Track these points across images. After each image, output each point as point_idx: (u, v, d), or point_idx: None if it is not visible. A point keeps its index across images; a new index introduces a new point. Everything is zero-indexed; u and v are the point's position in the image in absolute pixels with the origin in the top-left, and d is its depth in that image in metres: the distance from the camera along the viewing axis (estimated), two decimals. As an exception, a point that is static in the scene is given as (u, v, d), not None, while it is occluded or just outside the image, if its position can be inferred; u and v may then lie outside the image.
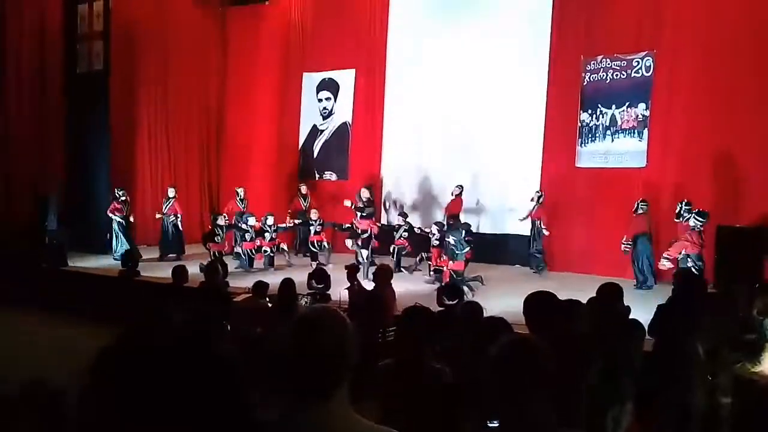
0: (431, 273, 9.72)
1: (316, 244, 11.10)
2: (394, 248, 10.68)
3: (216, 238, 10.72)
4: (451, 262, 8.93)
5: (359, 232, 10.54)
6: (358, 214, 10.66)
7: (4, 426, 3.18)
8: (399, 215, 11.08)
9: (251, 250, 10.67)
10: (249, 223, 10.79)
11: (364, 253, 10.25)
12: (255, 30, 14.29)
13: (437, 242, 9.77)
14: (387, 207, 11.24)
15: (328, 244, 11.23)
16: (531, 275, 10.19)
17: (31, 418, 3.14)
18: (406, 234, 10.72)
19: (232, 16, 14.80)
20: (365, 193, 10.80)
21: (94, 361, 1.71)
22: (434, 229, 9.96)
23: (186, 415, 1.67)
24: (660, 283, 8.95)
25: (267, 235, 10.81)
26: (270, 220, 10.93)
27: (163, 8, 13.47)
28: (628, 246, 9.21)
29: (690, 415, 4.30)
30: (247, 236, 10.72)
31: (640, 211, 9.24)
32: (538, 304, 3.43)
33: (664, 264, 8.49)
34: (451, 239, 9.05)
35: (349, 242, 10.74)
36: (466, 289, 8.32)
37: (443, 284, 7.69)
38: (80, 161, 12.52)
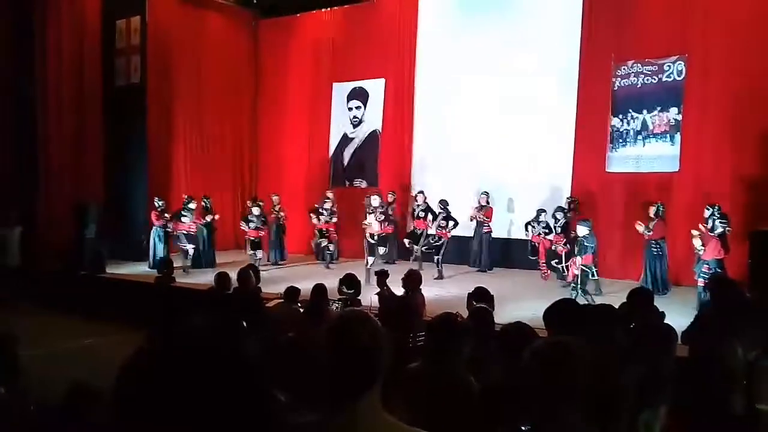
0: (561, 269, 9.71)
1: (324, 232, 11.60)
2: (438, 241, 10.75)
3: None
4: (579, 257, 8.62)
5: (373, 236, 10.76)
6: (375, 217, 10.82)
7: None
8: (439, 202, 10.97)
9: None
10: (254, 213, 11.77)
11: (381, 250, 10.54)
12: (286, 41, 14.53)
13: (560, 229, 9.83)
14: (416, 215, 11.31)
15: (334, 244, 11.72)
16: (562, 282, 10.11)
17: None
18: (444, 222, 10.68)
19: (264, 28, 15.07)
20: (375, 201, 11.04)
21: (124, 365, 1.77)
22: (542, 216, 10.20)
23: (207, 417, 1.72)
24: (676, 289, 8.99)
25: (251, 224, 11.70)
26: (256, 210, 11.81)
27: (197, 22, 13.83)
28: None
29: (726, 422, 4.24)
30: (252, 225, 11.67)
31: (660, 215, 9.12)
32: (558, 312, 3.44)
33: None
34: (580, 230, 8.77)
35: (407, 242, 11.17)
36: (587, 299, 8.21)
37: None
38: (119, 171, 12.87)
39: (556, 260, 9.89)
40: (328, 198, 12.07)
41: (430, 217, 10.82)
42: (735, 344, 4.31)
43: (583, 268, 8.57)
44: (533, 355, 1.91)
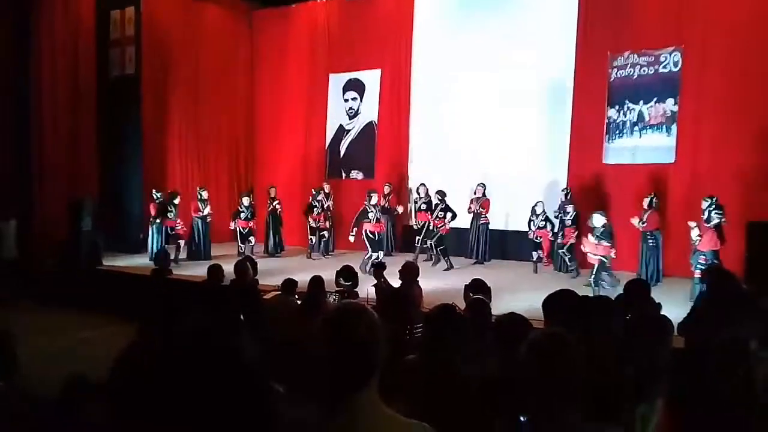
0: (567, 260, 9.83)
1: (316, 224, 11.88)
2: (432, 229, 10.68)
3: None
4: (604, 243, 8.54)
5: (376, 235, 10.68)
6: (373, 218, 10.75)
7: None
8: (436, 193, 10.93)
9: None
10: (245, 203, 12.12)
11: (381, 254, 10.43)
12: (282, 32, 14.46)
13: (570, 222, 9.82)
14: (419, 207, 11.28)
15: (327, 232, 11.98)
16: (558, 273, 10.14)
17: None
18: (443, 214, 10.66)
19: (259, 18, 14.99)
20: (374, 199, 10.95)
21: (117, 359, 1.76)
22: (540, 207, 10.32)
23: (203, 414, 1.71)
24: (672, 280, 8.99)
25: (242, 214, 11.96)
26: (246, 201, 12.06)
27: (192, 12, 13.72)
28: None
29: (723, 414, 4.25)
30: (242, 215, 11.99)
31: (653, 206, 9.12)
32: (558, 303, 3.45)
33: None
34: (597, 220, 8.75)
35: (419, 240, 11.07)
36: (602, 284, 8.27)
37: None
38: (113, 163, 12.82)
39: (564, 252, 9.98)
40: (321, 189, 12.15)
41: (441, 214, 10.78)
42: (731, 336, 4.32)
43: (602, 258, 8.55)
44: (530, 347, 1.92)
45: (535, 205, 10.44)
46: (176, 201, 11.54)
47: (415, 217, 11.45)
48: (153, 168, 12.86)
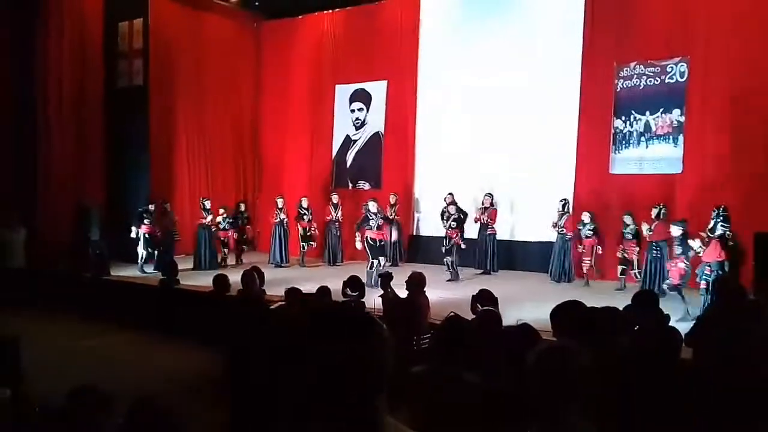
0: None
1: (307, 232, 12.24)
2: (449, 243, 10.51)
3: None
4: (685, 260, 8.18)
5: (377, 242, 10.66)
6: (374, 225, 10.73)
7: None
8: (450, 204, 10.74)
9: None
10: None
11: (382, 260, 10.46)
12: (288, 43, 14.55)
13: (630, 235, 9.47)
14: (447, 216, 11.22)
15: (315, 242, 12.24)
16: (564, 283, 10.08)
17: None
18: (455, 224, 10.54)
19: (266, 30, 15.10)
20: (373, 207, 10.89)
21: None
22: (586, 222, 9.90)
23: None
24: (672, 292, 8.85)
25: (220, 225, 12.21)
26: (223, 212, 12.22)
27: (199, 24, 13.84)
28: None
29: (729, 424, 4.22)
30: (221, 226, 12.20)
31: (661, 217, 9.07)
32: (565, 314, 3.44)
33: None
34: (674, 230, 8.40)
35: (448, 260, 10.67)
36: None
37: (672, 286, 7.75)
38: (121, 173, 12.89)
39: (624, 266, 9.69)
40: (304, 197, 12.44)
41: (454, 224, 10.62)
42: (738, 346, 4.29)
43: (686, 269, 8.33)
44: (538, 358, 1.91)
45: (584, 217, 10.10)
46: (151, 207, 11.65)
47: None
48: (160, 178, 12.92)
